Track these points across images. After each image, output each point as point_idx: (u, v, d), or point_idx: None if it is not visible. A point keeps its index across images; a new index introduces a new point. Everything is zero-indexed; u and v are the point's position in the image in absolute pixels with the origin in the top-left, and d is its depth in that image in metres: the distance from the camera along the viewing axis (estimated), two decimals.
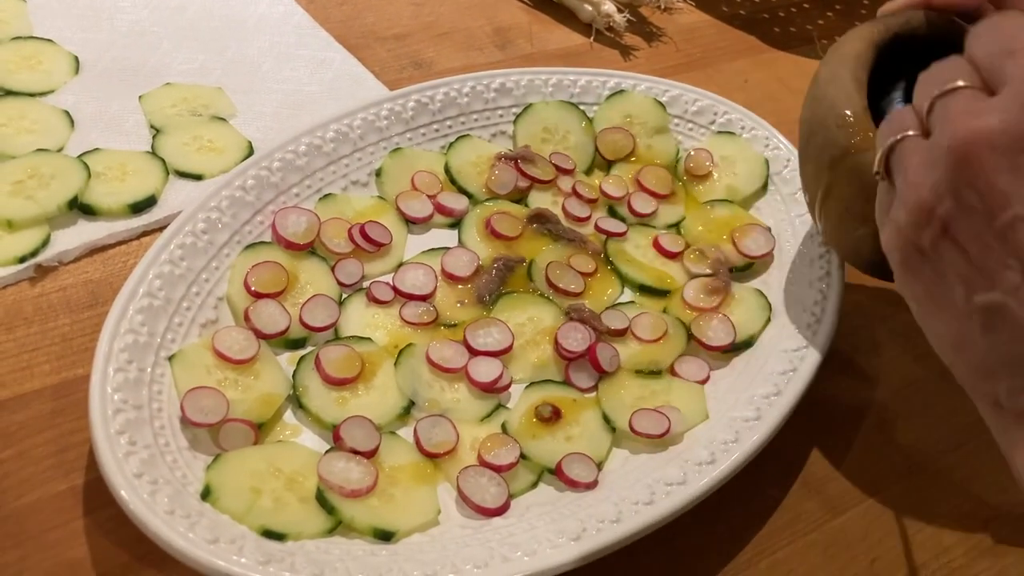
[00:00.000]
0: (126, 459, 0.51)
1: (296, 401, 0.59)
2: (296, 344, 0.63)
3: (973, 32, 0.39)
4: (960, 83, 0.37)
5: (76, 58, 0.81)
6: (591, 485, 0.57)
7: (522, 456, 0.58)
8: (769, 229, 0.74)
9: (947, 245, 0.37)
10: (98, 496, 0.53)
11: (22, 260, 0.65)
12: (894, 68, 0.59)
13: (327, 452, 0.55)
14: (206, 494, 0.52)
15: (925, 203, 0.37)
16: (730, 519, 0.59)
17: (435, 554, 0.51)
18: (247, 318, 0.61)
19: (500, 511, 0.55)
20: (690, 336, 0.66)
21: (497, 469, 0.57)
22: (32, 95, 0.77)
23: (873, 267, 0.61)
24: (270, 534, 0.51)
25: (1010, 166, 0.33)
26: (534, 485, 0.58)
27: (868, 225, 0.55)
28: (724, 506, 0.57)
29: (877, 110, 0.57)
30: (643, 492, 0.55)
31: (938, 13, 0.58)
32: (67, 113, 0.76)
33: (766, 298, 0.69)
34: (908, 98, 0.60)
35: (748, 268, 0.72)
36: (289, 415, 0.59)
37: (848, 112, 0.55)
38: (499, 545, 0.52)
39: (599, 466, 0.59)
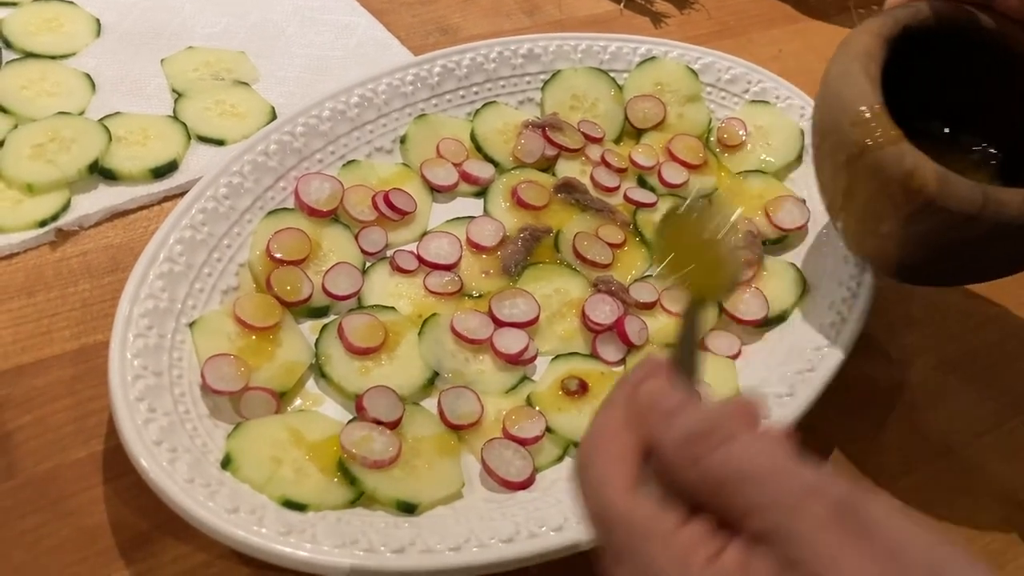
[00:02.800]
0: (146, 426, 0.50)
1: (318, 370, 0.58)
2: (319, 312, 0.61)
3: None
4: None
5: (98, 20, 0.80)
6: None
7: (548, 429, 0.56)
8: (804, 201, 0.72)
9: None
10: (117, 463, 0.52)
11: (43, 224, 0.64)
12: (906, 61, 0.57)
13: (349, 422, 0.54)
14: (226, 463, 0.51)
15: None
16: None
17: (459, 527, 0.50)
18: (269, 285, 0.60)
19: (525, 485, 0.54)
20: (721, 310, 0.65)
21: (522, 442, 0.56)
22: (53, 57, 0.76)
23: (901, 270, 0.59)
24: (291, 504, 0.50)
25: None
26: (560, 459, 0.56)
27: (891, 223, 0.54)
28: None
29: (892, 105, 0.55)
30: None
31: (946, 1, 0.57)
32: (88, 76, 0.75)
33: (800, 272, 0.67)
34: (921, 90, 0.58)
35: (781, 241, 0.70)
36: (311, 384, 0.58)
37: (863, 108, 0.53)
38: (525, 520, 0.51)
39: None
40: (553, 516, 0.51)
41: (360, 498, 0.52)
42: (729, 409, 0.33)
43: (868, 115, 0.53)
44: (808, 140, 0.76)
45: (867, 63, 0.55)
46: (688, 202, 0.42)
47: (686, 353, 0.37)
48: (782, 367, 0.60)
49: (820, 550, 0.28)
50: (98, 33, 0.79)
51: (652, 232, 0.69)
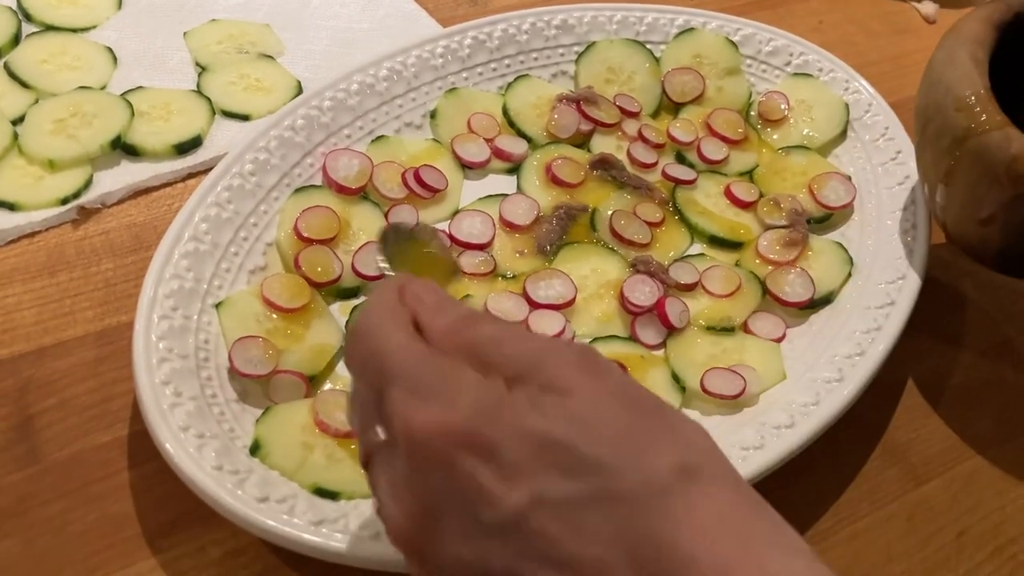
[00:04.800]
0: (171, 411, 0.49)
1: None
2: (348, 293, 0.60)
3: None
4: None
5: None
6: None
7: None
8: (849, 178, 0.69)
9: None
10: (143, 449, 0.51)
11: (64, 202, 0.63)
12: (1017, 48, 0.56)
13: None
14: (255, 449, 0.49)
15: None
16: (807, 486, 0.56)
17: None
18: (297, 265, 0.58)
19: None
20: (765, 291, 0.62)
21: None
22: (74, 30, 0.74)
23: (1002, 259, 0.57)
24: (322, 492, 0.49)
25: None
26: None
27: (994, 208, 0.53)
28: (801, 472, 0.54)
29: (999, 91, 0.54)
30: None
31: None
32: (110, 50, 0.73)
33: (847, 251, 0.64)
34: None
35: (827, 219, 0.67)
36: (341, 367, 0.56)
37: (968, 93, 0.53)
38: None
39: None
40: None
41: None
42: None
43: (973, 100, 0.53)
44: (853, 115, 0.73)
45: (974, 49, 0.55)
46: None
47: None
48: (830, 351, 0.58)
49: (566, 376, 0.33)
50: (119, 5, 0.77)
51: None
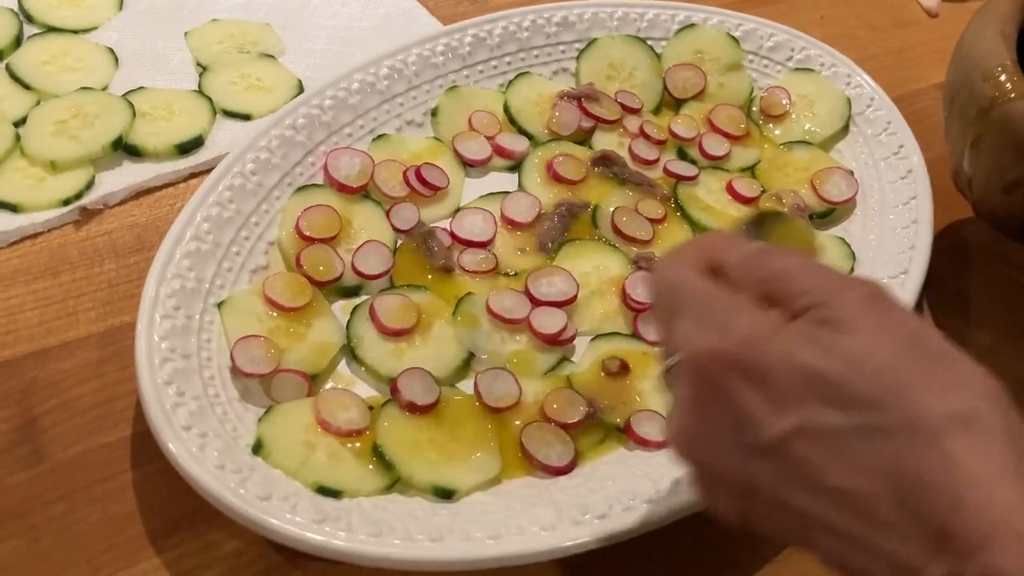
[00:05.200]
0: (174, 410, 0.49)
1: (351, 352, 0.56)
2: (350, 292, 0.59)
3: None
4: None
5: None
6: (662, 444, 0.53)
7: (589, 412, 0.54)
8: (851, 173, 0.69)
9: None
10: (146, 449, 0.51)
11: (66, 203, 0.63)
12: None
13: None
14: (258, 448, 0.49)
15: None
16: None
17: (499, 515, 0.48)
18: (299, 264, 0.58)
19: (566, 470, 0.52)
20: None
21: (563, 426, 0.54)
22: (75, 32, 0.74)
23: None
24: (325, 491, 0.49)
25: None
26: (601, 443, 0.54)
27: (1018, 174, 0.54)
28: None
29: None
30: None
31: None
32: (111, 50, 0.73)
33: (849, 247, 0.64)
34: None
35: (829, 215, 0.67)
36: (343, 366, 0.56)
37: (995, 64, 0.55)
38: (567, 506, 0.49)
39: None
40: (597, 503, 0.49)
41: (396, 484, 0.50)
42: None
43: (999, 70, 0.55)
44: (855, 109, 0.73)
45: (1003, 24, 0.57)
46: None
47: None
48: None
49: (848, 313, 0.33)
50: (120, 6, 0.77)
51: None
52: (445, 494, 0.50)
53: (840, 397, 0.32)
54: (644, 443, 0.54)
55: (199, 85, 0.72)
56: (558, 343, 0.58)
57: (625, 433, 0.54)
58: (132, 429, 0.53)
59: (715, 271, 0.37)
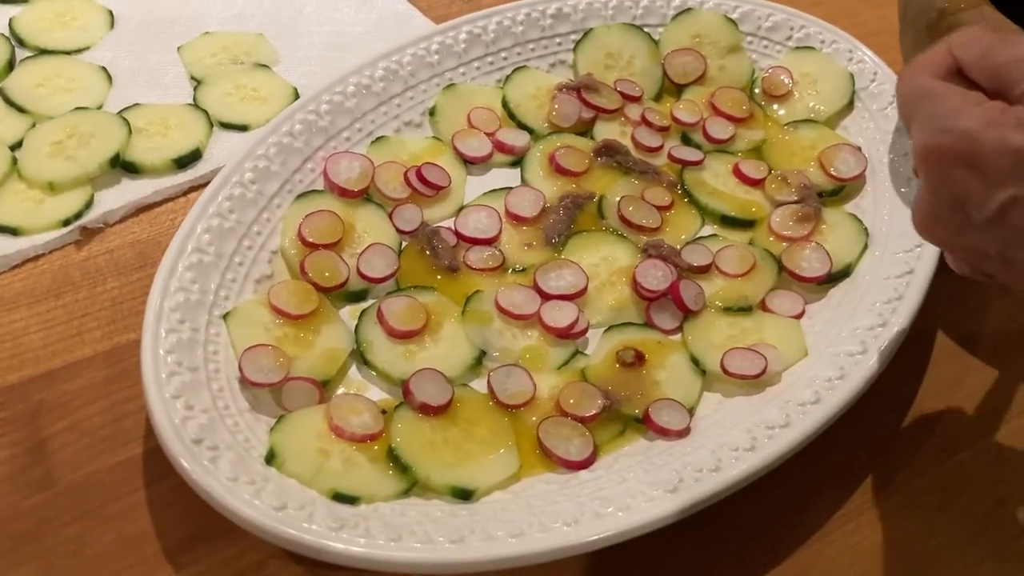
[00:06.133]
0: (184, 425, 0.48)
1: (360, 357, 0.55)
2: (356, 296, 0.59)
3: None
4: None
5: (110, 12, 0.77)
6: (683, 433, 0.52)
7: (606, 405, 0.53)
8: (859, 149, 0.68)
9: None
10: (157, 466, 0.50)
11: (66, 223, 0.62)
12: None
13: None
14: (271, 458, 0.49)
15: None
16: (835, 463, 0.55)
17: (520, 512, 0.47)
18: (303, 271, 0.58)
19: (586, 464, 0.51)
20: (781, 268, 0.61)
21: (580, 419, 0.53)
22: (67, 53, 0.74)
23: None
24: (341, 497, 0.48)
25: None
26: (620, 435, 0.53)
27: None
28: (828, 449, 0.52)
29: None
30: (743, 437, 0.50)
31: None
32: (104, 69, 0.72)
33: (862, 223, 0.63)
34: None
35: (839, 192, 0.66)
36: (354, 371, 0.55)
37: None
38: (589, 500, 0.48)
39: (690, 412, 0.54)
40: (619, 495, 0.48)
41: (413, 487, 0.49)
42: None
43: None
44: (858, 85, 0.72)
45: None
46: None
47: None
48: (851, 323, 0.56)
49: None
50: (112, 25, 0.77)
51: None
52: (464, 495, 0.49)
53: None
54: (664, 432, 0.52)
55: (194, 99, 0.71)
56: (570, 336, 0.57)
57: (644, 423, 0.53)
58: (143, 447, 0.53)
59: (956, 71, 0.42)
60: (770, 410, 0.52)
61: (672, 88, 0.73)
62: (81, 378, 0.55)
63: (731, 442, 0.50)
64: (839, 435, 0.52)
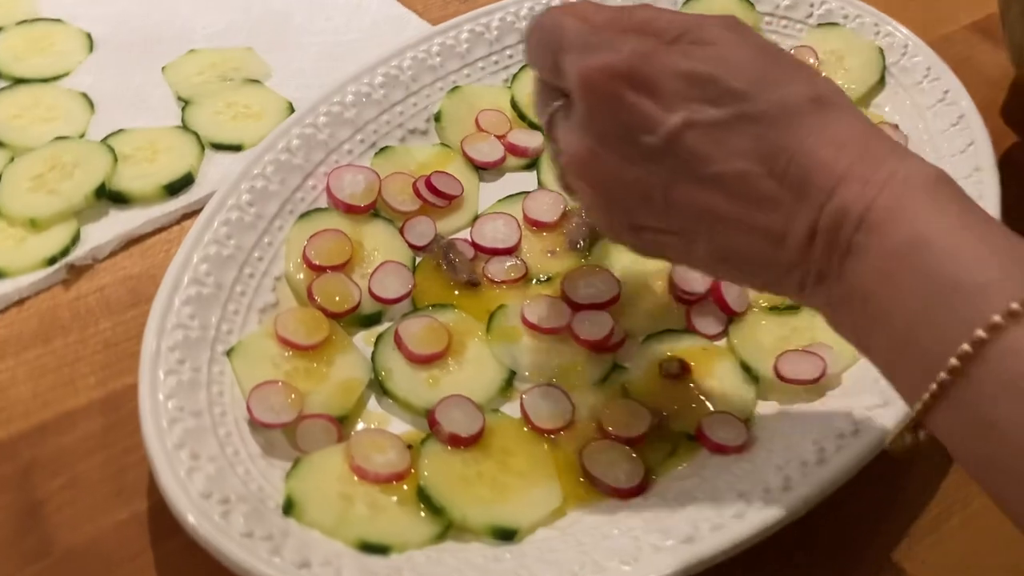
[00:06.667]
0: (190, 477, 0.43)
1: (379, 386, 0.51)
2: (370, 320, 0.54)
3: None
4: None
5: (89, 35, 0.73)
6: (741, 448, 0.48)
7: (654, 423, 0.48)
8: (896, 127, 0.63)
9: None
10: (165, 523, 0.45)
11: (52, 262, 0.58)
12: None
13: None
14: (289, 508, 0.44)
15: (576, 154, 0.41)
16: (911, 469, 0.49)
17: (570, 551, 0.43)
18: (311, 296, 0.53)
19: (638, 491, 0.46)
20: None
21: (627, 441, 0.48)
22: (45, 80, 0.69)
23: None
24: (370, 547, 0.43)
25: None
26: (671, 454, 0.48)
27: None
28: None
29: None
30: (809, 450, 0.45)
31: None
32: (85, 95, 0.68)
33: None
34: None
35: None
36: (373, 403, 0.51)
37: None
38: (645, 532, 0.43)
39: (746, 424, 0.49)
40: (679, 524, 0.43)
41: (449, 530, 0.44)
42: None
43: None
44: (889, 59, 0.67)
45: None
46: None
47: None
48: None
49: (714, 33, 0.39)
50: (91, 48, 0.72)
51: None
52: (506, 535, 0.44)
53: (717, 93, 0.37)
54: (721, 449, 0.48)
55: (182, 120, 0.67)
56: (606, 349, 0.53)
57: (698, 441, 0.48)
58: (147, 502, 0.48)
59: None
60: (836, 417, 0.47)
61: None
62: (76, 430, 0.51)
63: (798, 455, 0.45)
64: None
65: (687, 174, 0.38)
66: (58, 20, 0.74)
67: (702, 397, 0.50)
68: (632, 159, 0.38)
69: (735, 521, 0.42)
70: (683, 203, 0.38)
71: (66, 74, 0.70)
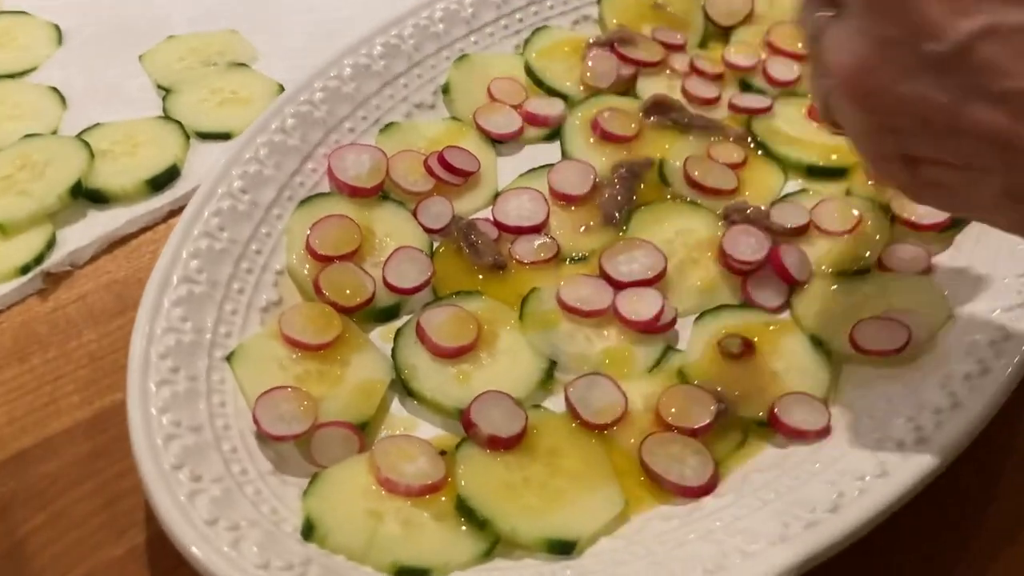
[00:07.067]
0: (192, 501, 0.38)
1: (403, 386, 0.46)
2: (387, 314, 0.49)
3: None
4: None
5: (56, 27, 0.69)
6: (823, 432, 0.42)
7: (719, 410, 0.42)
8: None
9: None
10: (166, 556, 0.40)
11: (25, 270, 0.54)
12: None
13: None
14: (309, 531, 0.39)
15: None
16: (1017, 445, 0.44)
17: (641, 563, 0.37)
18: (318, 290, 0.48)
19: (708, 488, 0.41)
20: (893, 218, 0.51)
21: (690, 432, 0.42)
22: (11, 76, 0.65)
23: None
24: (406, 571, 0.38)
25: None
26: (743, 445, 0.43)
27: None
28: (1002, 431, 0.42)
29: None
30: (904, 429, 0.40)
31: None
32: (55, 90, 0.64)
33: None
34: None
35: None
36: (397, 406, 0.46)
37: None
38: (727, 535, 0.37)
39: (826, 404, 0.43)
40: (764, 524, 0.37)
41: (496, 546, 0.39)
42: None
43: None
44: None
45: None
46: None
47: None
48: (998, 271, 0.46)
49: None
50: (60, 41, 0.68)
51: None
52: (563, 548, 0.39)
53: None
54: (800, 435, 0.42)
55: (164, 110, 0.62)
56: (656, 330, 0.47)
57: (772, 427, 0.43)
58: (145, 534, 0.43)
59: None
60: (929, 390, 0.41)
61: (718, 32, 0.64)
62: (60, 457, 0.46)
63: (893, 435, 0.39)
64: (1014, 412, 0.41)
65: (976, 90, 0.32)
66: (22, 12, 0.70)
67: (770, 377, 0.44)
68: (914, 71, 0.33)
69: (831, 516, 0.37)
70: (973, 128, 0.32)
71: (33, 69, 0.66)
